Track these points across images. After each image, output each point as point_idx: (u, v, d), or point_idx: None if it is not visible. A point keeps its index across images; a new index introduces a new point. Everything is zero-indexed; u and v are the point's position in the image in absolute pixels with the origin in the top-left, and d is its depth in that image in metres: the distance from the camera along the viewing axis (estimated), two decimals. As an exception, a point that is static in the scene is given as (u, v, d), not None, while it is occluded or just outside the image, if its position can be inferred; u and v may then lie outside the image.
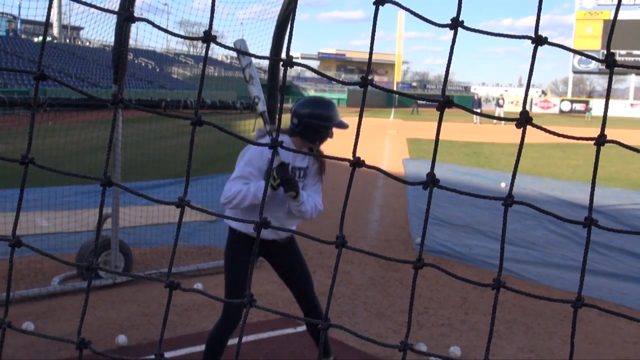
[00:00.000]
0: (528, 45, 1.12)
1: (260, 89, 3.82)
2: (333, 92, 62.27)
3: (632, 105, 61.14)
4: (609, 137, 1.10)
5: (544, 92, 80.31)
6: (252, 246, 3.77)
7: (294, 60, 1.13)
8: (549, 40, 1.10)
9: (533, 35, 1.06)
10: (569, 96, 70.58)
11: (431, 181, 1.05)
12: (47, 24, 1.14)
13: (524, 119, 1.01)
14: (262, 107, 3.72)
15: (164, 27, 1.28)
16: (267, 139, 3.84)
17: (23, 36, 43.95)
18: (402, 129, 30.71)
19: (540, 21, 1.11)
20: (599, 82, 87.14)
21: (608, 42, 1.05)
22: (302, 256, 4.04)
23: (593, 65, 66.13)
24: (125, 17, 1.07)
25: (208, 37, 1.04)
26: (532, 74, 1.06)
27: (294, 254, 4.00)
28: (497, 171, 15.61)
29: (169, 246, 7.23)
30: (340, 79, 1.23)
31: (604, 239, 8.57)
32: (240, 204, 3.62)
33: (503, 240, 1.14)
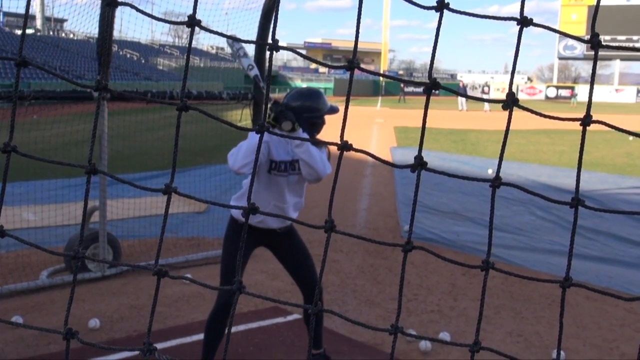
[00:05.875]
0: (514, 31, 1.12)
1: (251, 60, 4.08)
2: (320, 81, 62.15)
3: (617, 90, 61.52)
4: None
5: (529, 79, 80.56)
6: (251, 236, 3.78)
7: (280, 50, 1.13)
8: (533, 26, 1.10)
9: (518, 18, 1.06)
10: (555, 82, 70.89)
11: (419, 164, 1.05)
12: (28, 11, 1.12)
13: (510, 101, 1.02)
14: (255, 72, 3.97)
15: (148, 19, 1.27)
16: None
17: (6, 29, 43.46)
18: (390, 117, 30.73)
19: (526, 7, 1.11)
20: (584, 68, 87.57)
21: (592, 23, 1.06)
22: (304, 245, 4.03)
23: (578, 51, 66.46)
24: (108, 2, 1.06)
25: (192, 22, 1.03)
26: (517, 56, 1.07)
27: (295, 243, 4.00)
28: (484, 158, 15.67)
29: (158, 238, 7.19)
30: (328, 64, 1.22)
31: (590, 223, 8.64)
32: (237, 159, 3.55)
33: (491, 222, 1.14)
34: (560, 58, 70.01)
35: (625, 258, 7.33)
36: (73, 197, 8.16)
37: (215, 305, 3.84)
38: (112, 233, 6.32)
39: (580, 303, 5.66)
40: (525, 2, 1.13)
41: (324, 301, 4.21)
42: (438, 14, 1.13)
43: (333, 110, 3.81)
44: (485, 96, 41.93)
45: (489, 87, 45.53)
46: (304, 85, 58.11)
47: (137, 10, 1.15)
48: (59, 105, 6.72)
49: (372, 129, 23.52)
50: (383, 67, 76.04)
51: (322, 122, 3.80)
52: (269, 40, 1.15)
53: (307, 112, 3.71)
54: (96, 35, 6.06)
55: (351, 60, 1.07)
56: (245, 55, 3.97)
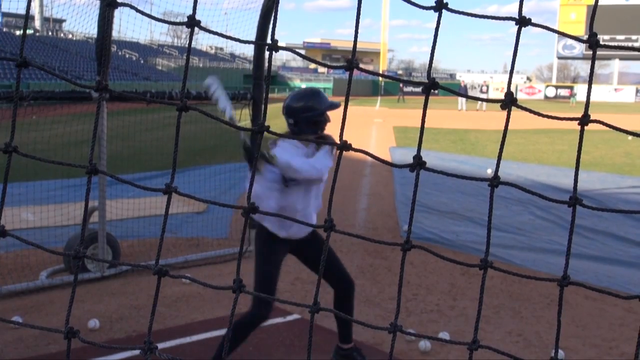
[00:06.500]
0: (513, 31, 1.12)
1: (227, 101, 3.85)
2: (319, 81, 62.16)
3: (616, 90, 61.56)
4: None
5: (528, 78, 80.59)
6: (283, 247, 3.86)
7: (279, 50, 1.13)
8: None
9: (517, 17, 1.06)
10: (554, 82, 70.97)
11: (418, 163, 1.05)
12: (28, 11, 1.12)
13: (508, 100, 1.02)
14: (229, 114, 3.77)
15: (147, 19, 1.27)
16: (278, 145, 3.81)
17: (5, 29, 43.42)
18: (389, 117, 30.73)
19: (525, 7, 1.11)
20: (583, 68, 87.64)
21: (591, 23, 1.06)
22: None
23: (577, 50, 66.52)
24: (108, 2, 1.06)
25: (192, 22, 1.03)
26: (516, 56, 1.07)
27: (320, 242, 4.06)
28: (483, 157, 15.67)
29: (157, 238, 7.19)
30: (327, 64, 1.23)
31: (589, 222, 8.65)
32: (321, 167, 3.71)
33: (490, 221, 1.14)
34: (560, 57, 70.07)
35: (624, 257, 7.33)
36: (72, 198, 8.16)
37: (251, 314, 3.81)
38: (111, 233, 6.32)
39: (579, 303, 5.67)
40: (525, 2, 1.13)
41: (354, 296, 4.24)
42: (437, 13, 1.13)
43: (333, 106, 3.83)
44: (483, 95, 41.91)
45: (487, 86, 45.59)
46: (303, 85, 58.12)
47: (137, 11, 1.15)
48: (58, 106, 6.72)
49: (371, 129, 23.52)
50: (382, 67, 76.09)
51: (325, 120, 3.83)
52: (268, 41, 1.16)
53: (308, 112, 3.76)
54: (95, 36, 6.06)
55: (350, 60, 1.07)
56: (220, 96, 3.88)
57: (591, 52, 1.06)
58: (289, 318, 5.13)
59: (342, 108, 1.18)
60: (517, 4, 1.10)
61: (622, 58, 65.92)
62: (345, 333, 4.24)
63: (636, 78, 76.43)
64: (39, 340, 4.62)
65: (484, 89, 44.15)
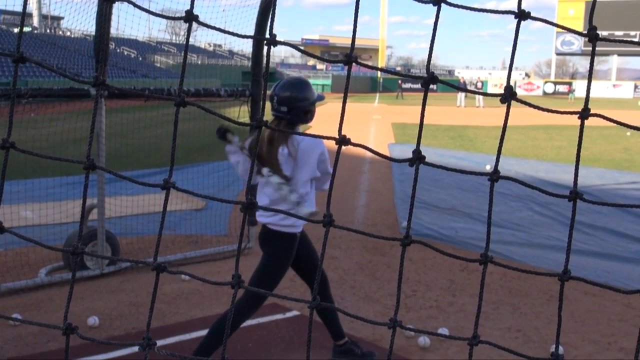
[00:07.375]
0: (511, 27, 1.12)
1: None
2: (317, 78, 62.11)
3: (614, 86, 61.57)
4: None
5: (527, 75, 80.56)
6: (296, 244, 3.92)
7: (278, 46, 1.12)
8: (531, 21, 1.10)
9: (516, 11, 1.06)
10: (552, 78, 70.96)
11: (417, 158, 1.05)
12: (25, 7, 1.12)
13: (508, 94, 1.01)
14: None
15: (145, 16, 1.26)
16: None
17: (3, 27, 43.33)
18: (387, 113, 30.71)
19: (524, 3, 1.11)
20: (582, 64, 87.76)
21: (590, 16, 1.06)
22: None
23: (576, 46, 66.53)
24: (105, -3, 1.06)
25: (190, 17, 1.03)
26: (515, 50, 1.07)
27: (308, 238, 4.13)
28: (482, 154, 15.67)
29: (156, 235, 7.19)
30: (326, 58, 1.22)
31: (588, 218, 8.65)
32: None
33: (490, 215, 1.14)
34: (558, 54, 70.08)
35: (623, 253, 7.34)
36: (71, 195, 8.16)
37: (250, 303, 3.86)
38: (110, 231, 6.31)
39: (578, 298, 5.67)
40: (523, -3, 1.13)
41: (330, 292, 4.34)
42: (436, 7, 1.13)
43: (320, 98, 3.93)
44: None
45: (482, 82, 45.75)
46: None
47: (135, 5, 1.15)
48: (56, 103, 6.70)
49: (369, 126, 23.50)
50: (381, 64, 76.10)
51: (314, 111, 3.89)
52: (267, 36, 1.15)
53: (303, 101, 3.80)
54: (93, 33, 6.04)
55: (349, 55, 1.07)
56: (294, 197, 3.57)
57: (590, 48, 1.06)
58: (289, 315, 5.14)
59: (341, 104, 1.18)
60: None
61: (620, 54, 65.98)
62: (336, 330, 4.28)
63: (635, 74, 76.59)
64: (39, 338, 4.62)
65: (479, 85, 44.26)
